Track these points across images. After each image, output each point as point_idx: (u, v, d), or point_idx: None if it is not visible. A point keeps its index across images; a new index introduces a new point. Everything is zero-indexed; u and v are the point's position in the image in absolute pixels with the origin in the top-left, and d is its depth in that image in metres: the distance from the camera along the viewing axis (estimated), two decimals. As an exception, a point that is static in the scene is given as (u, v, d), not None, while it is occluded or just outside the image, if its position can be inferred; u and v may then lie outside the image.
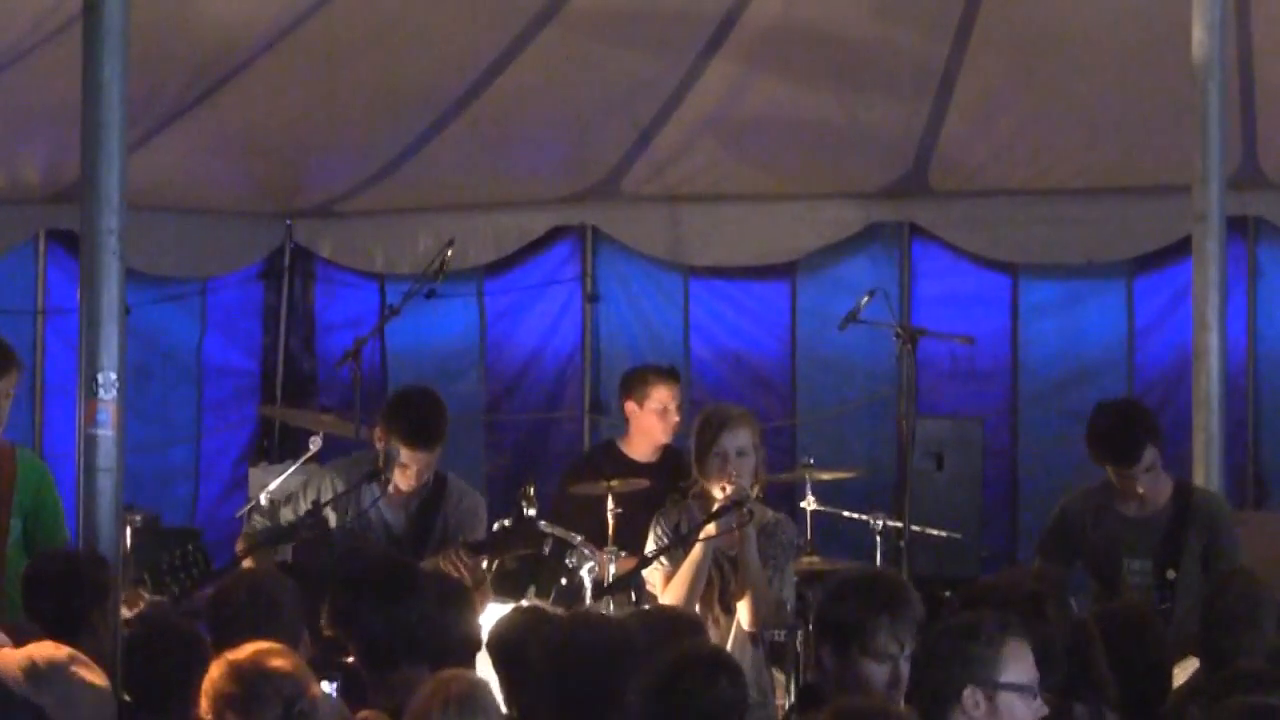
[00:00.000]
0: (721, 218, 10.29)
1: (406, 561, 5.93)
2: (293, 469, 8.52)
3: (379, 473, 6.79)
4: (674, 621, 5.39)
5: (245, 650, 4.39)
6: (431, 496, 6.98)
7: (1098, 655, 5.07)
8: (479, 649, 5.32)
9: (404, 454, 6.78)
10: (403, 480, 6.86)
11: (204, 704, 4.34)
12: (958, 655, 4.35)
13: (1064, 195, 9.78)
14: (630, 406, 8.27)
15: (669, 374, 8.32)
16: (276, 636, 4.63)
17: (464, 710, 4.25)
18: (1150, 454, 6.67)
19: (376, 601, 5.06)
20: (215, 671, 4.37)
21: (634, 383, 8.30)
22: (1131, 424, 6.78)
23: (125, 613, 5.99)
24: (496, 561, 7.04)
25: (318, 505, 6.87)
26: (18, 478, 6.59)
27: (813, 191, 10.12)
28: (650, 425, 8.19)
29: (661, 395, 8.17)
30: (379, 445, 6.90)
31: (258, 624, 4.87)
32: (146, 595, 6.57)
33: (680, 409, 8.20)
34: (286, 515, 7.01)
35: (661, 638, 4.89)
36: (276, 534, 6.86)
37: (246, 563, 6.55)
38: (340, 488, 6.93)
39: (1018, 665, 4.33)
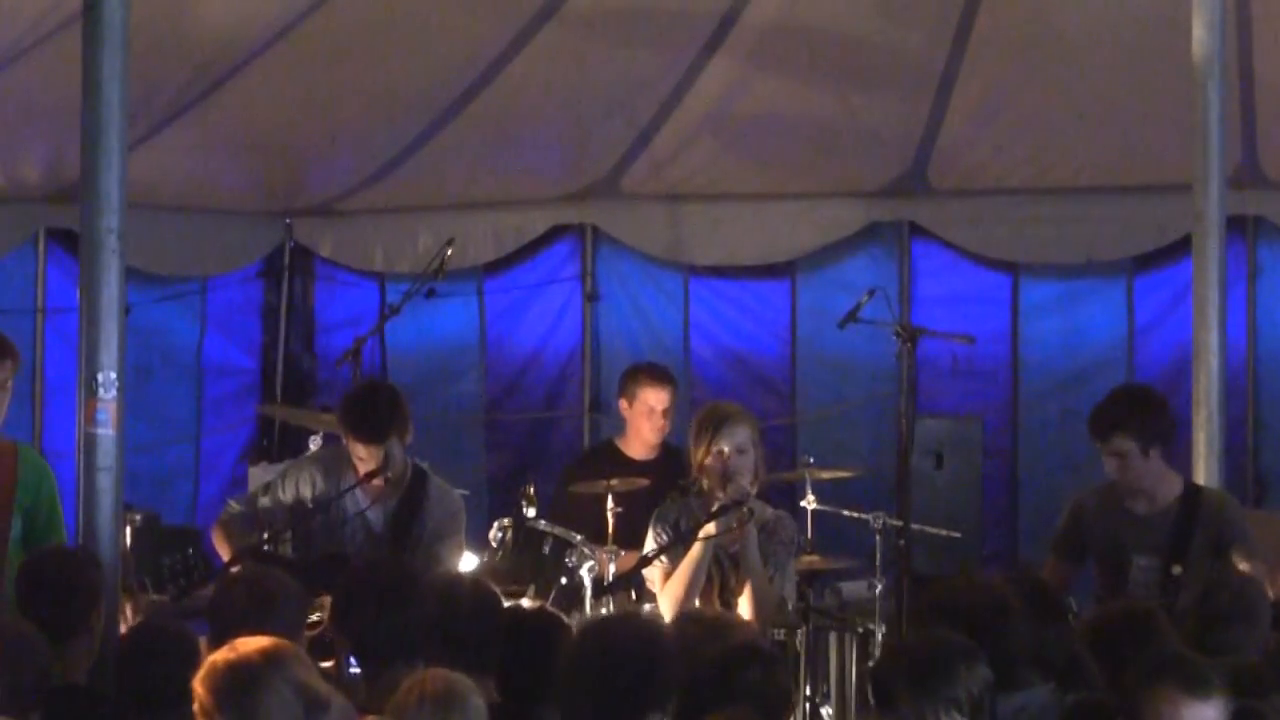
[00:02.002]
0: (721, 217, 10.29)
1: (407, 562, 5.92)
2: (292, 468, 8.52)
3: (375, 474, 6.81)
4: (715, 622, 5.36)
5: (251, 644, 4.30)
6: (410, 495, 6.97)
7: (1083, 657, 5.09)
8: (487, 648, 5.27)
9: (354, 446, 6.85)
10: (359, 468, 6.87)
11: (202, 694, 4.21)
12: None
13: (1064, 194, 9.77)
14: (622, 404, 8.28)
15: (661, 375, 8.28)
16: (276, 635, 4.60)
17: (438, 708, 4.21)
18: (1123, 442, 6.59)
19: (373, 602, 5.05)
20: (220, 659, 4.25)
21: (626, 382, 8.31)
22: (1117, 402, 6.76)
23: (130, 618, 6.00)
24: None
25: (321, 502, 6.89)
26: (19, 476, 6.58)
27: (813, 190, 10.12)
28: (638, 425, 8.19)
29: (648, 396, 8.15)
30: (345, 441, 6.94)
31: (258, 623, 4.85)
32: (152, 597, 6.57)
33: (673, 410, 8.18)
34: (264, 503, 7.05)
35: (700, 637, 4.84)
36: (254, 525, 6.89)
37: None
38: (319, 479, 6.98)
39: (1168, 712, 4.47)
